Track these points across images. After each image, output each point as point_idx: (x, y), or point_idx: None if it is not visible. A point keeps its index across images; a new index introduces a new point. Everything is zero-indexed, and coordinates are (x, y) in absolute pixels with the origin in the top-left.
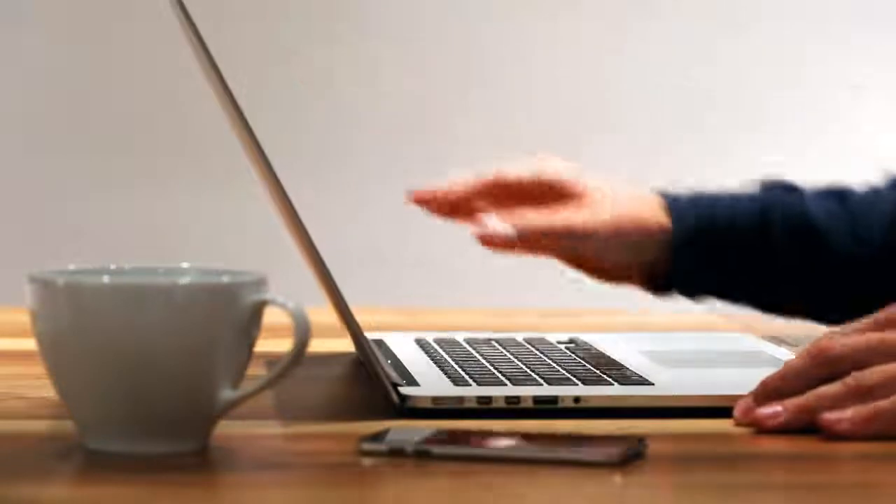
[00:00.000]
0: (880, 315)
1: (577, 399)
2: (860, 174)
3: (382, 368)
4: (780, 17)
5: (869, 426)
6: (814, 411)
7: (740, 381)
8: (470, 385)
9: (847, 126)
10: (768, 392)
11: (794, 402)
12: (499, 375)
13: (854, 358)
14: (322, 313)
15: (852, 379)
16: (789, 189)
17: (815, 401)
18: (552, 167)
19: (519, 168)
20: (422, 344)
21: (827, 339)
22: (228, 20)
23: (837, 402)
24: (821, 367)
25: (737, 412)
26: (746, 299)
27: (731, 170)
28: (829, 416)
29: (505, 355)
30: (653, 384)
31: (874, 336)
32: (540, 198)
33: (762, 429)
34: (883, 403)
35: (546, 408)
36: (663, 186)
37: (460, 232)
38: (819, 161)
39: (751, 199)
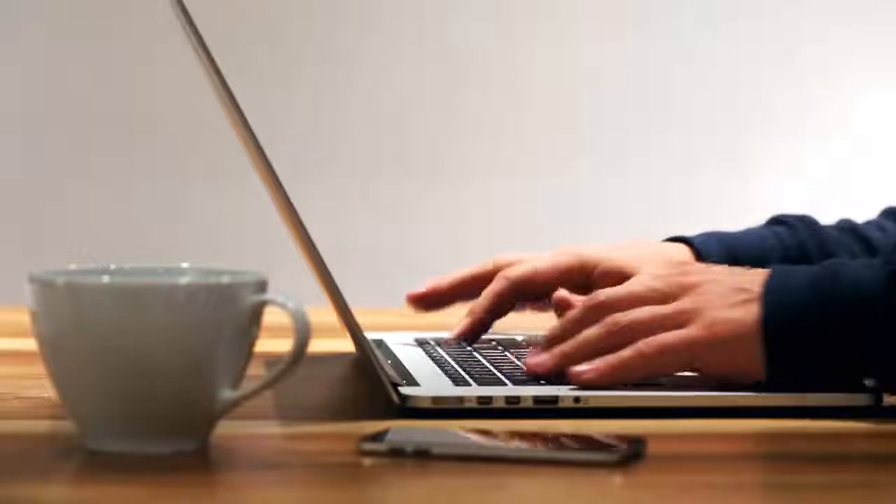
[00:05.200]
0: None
1: (577, 399)
2: (859, 175)
3: (382, 368)
4: (780, 17)
5: (612, 374)
6: (575, 355)
7: None
8: (470, 385)
9: (847, 126)
10: (549, 341)
11: (560, 348)
12: (499, 375)
13: (619, 305)
14: (322, 313)
15: (611, 319)
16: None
17: (576, 345)
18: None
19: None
20: (422, 344)
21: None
22: (228, 20)
23: (599, 344)
24: (590, 312)
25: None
26: None
27: (731, 170)
28: (576, 368)
29: (505, 355)
30: (652, 384)
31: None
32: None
33: (531, 374)
34: (625, 352)
35: (546, 408)
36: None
37: (459, 232)
38: (819, 162)
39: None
